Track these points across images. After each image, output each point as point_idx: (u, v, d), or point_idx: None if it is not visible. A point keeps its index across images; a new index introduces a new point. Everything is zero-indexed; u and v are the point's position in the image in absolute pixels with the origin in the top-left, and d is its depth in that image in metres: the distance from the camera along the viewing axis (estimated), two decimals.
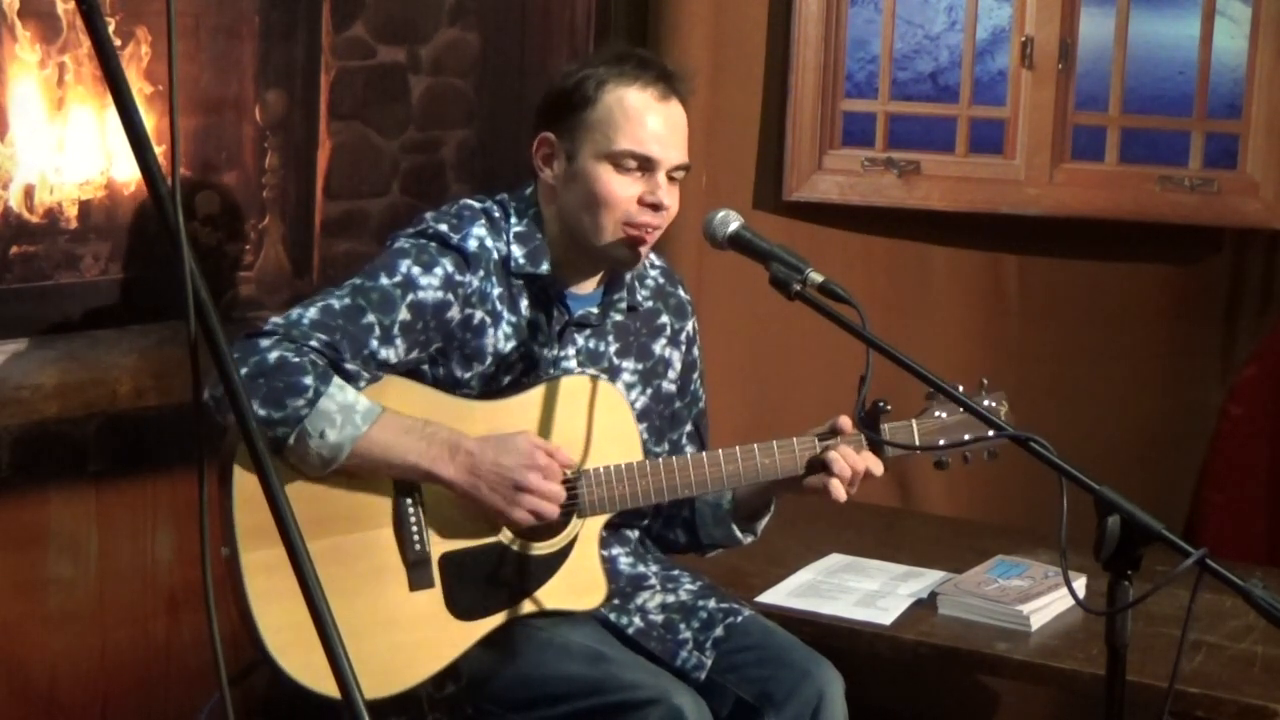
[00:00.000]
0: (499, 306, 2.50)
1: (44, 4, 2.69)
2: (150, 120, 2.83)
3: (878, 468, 2.51)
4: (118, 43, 2.78)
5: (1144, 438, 3.77)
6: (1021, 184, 3.71)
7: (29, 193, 2.72)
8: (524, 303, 2.53)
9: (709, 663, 2.52)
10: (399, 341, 2.42)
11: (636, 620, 2.57)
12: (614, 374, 2.61)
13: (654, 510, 2.70)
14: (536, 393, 2.49)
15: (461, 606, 2.43)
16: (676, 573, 2.69)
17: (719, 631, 2.55)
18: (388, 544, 2.41)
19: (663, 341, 2.69)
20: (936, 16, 3.73)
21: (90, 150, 2.79)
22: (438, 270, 2.45)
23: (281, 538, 1.52)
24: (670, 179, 2.50)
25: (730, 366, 3.67)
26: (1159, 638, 2.69)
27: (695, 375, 2.76)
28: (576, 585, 2.51)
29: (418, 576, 2.41)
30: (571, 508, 2.47)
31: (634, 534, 2.71)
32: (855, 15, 3.73)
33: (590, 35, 3.61)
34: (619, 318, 2.63)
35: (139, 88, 2.82)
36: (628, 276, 2.61)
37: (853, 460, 2.49)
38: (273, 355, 2.30)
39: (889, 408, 2.48)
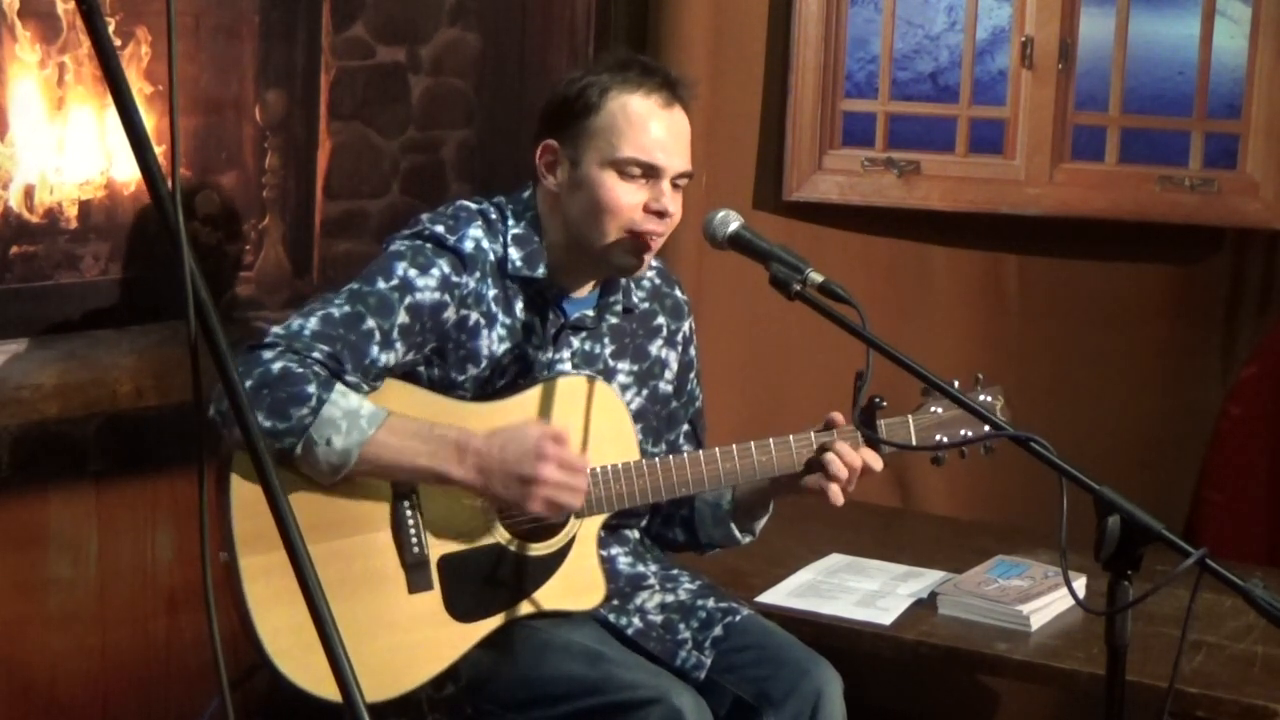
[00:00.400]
0: (494, 308, 2.50)
1: (44, 4, 2.69)
2: (150, 120, 2.83)
3: (876, 463, 2.51)
4: (118, 43, 2.78)
5: (1144, 438, 3.76)
6: (1021, 184, 3.71)
7: (29, 193, 2.72)
8: (519, 305, 2.53)
9: (708, 662, 2.52)
10: (398, 345, 2.42)
11: (636, 621, 2.57)
12: (609, 376, 2.60)
13: (652, 509, 2.70)
14: (533, 393, 2.49)
15: (460, 608, 2.43)
16: (675, 572, 2.69)
17: (718, 631, 2.55)
18: (386, 547, 2.41)
19: (659, 342, 2.69)
20: (936, 16, 3.73)
21: (90, 150, 2.79)
22: (434, 272, 2.45)
23: (283, 540, 1.52)
24: (674, 186, 2.50)
25: (730, 366, 3.67)
26: (1159, 638, 2.69)
27: (692, 375, 2.76)
28: (575, 585, 2.51)
29: (416, 579, 2.41)
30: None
31: (633, 534, 2.71)
32: (855, 15, 3.73)
33: (590, 35, 3.61)
34: (614, 320, 2.62)
35: (139, 88, 2.82)
36: (623, 279, 2.61)
37: (850, 458, 2.49)
38: (277, 366, 2.30)
39: (885, 404, 2.48)
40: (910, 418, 2.57)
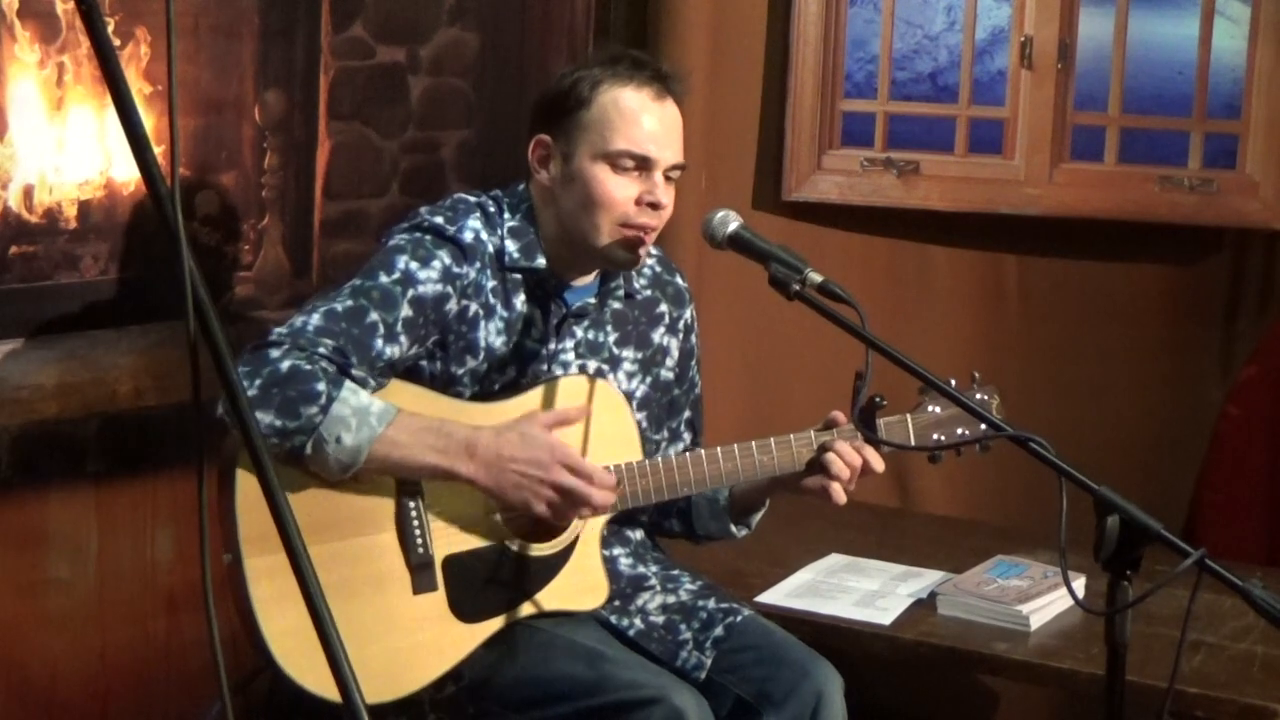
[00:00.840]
0: (492, 300, 2.50)
1: (44, 4, 2.69)
2: (150, 120, 2.83)
3: (878, 462, 2.52)
4: (117, 43, 2.78)
5: (1144, 438, 3.76)
6: (1021, 184, 3.71)
7: (28, 193, 2.72)
8: (519, 298, 2.53)
9: (709, 662, 2.52)
10: (402, 338, 2.42)
11: (637, 622, 2.57)
12: (614, 363, 2.61)
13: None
14: (535, 394, 2.49)
15: (465, 609, 2.43)
16: (676, 573, 2.69)
17: (719, 631, 2.55)
18: (391, 548, 2.41)
19: (661, 329, 2.69)
20: (936, 16, 3.73)
21: (90, 150, 2.79)
22: (435, 263, 2.45)
23: (282, 541, 1.52)
24: (667, 178, 2.50)
25: (730, 366, 3.67)
26: (1159, 638, 2.69)
27: (693, 363, 2.76)
28: (578, 586, 2.51)
29: (421, 580, 2.41)
30: None
31: (634, 534, 2.71)
32: (855, 15, 3.73)
33: (590, 35, 3.61)
34: (617, 305, 2.63)
35: (139, 88, 2.82)
36: None
37: (850, 457, 2.49)
38: (285, 365, 2.30)
39: (884, 403, 2.48)
40: (909, 417, 2.58)
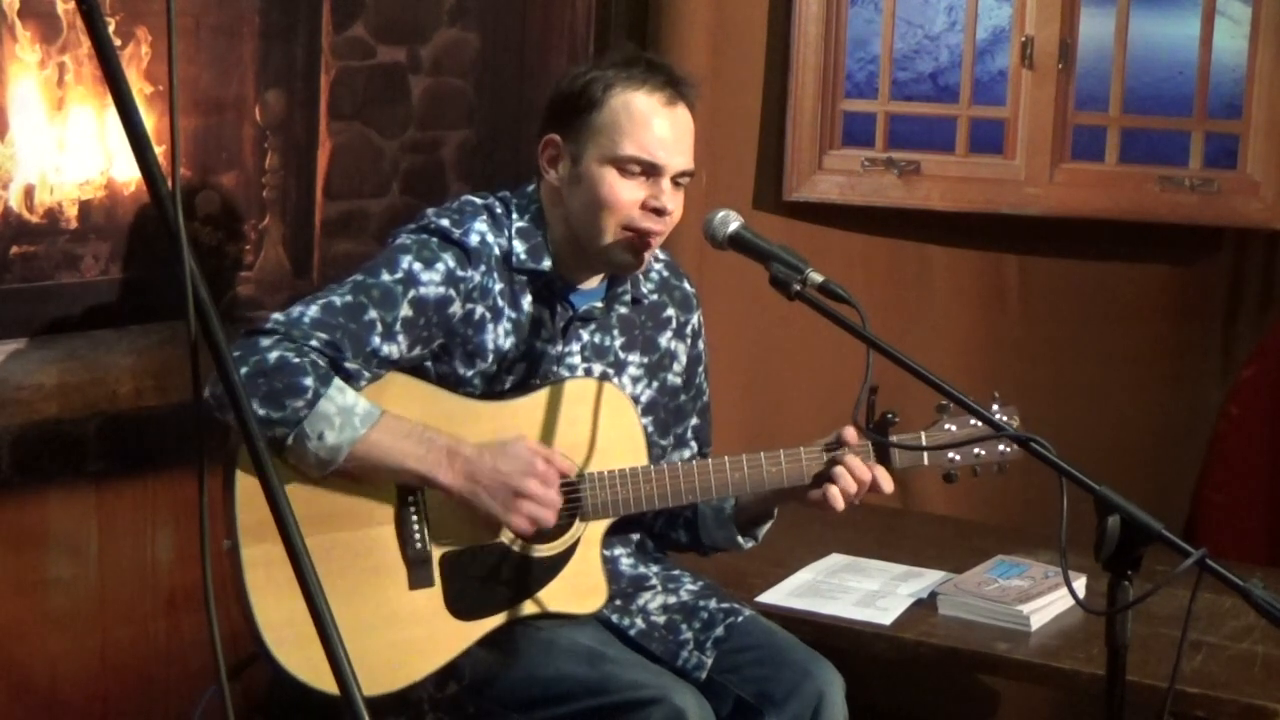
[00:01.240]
0: (500, 302, 2.50)
1: (44, 4, 2.69)
2: (150, 120, 2.83)
3: (887, 483, 2.50)
4: (118, 43, 2.78)
5: (1144, 437, 3.76)
6: (1021, 184, 3.71)
7: (29, 193, 2.72)
8: (526, 299, 2.53)
9: (709, 662, 2.52)
10: (401, 338, 2.42)
11: (639, 622, 2.57)
12: (620, 368, 2.61)
13: (656, 511, 2.70)
14: (541, 395, 2.49)
15: (461, 606, 2.43)
16: (677, 573, 2.69)
17: (719, 631, 2.55)
18: (389, 542, 2.41)
19: (668, 334, 2.69)
20: (936, 16, 3.73)
21: (90, 150, 2.79)
22: (439, 266, 2.45)
23: (279, 532, 1.52)
24: (675, 184, 2.50)
25: (731, 366, 3.66)
26: (1159, 638, 2.69)
27: (700, 369, 2.76)
28: (578, 588, 2.51)
29: (418, 575, 2.41)
30: (574, 510, 2.47)
31: (636, 534, 2.71)
32: (855, 15, 3.73)
33: (590, 35, 3.61)
34: (623, 310, 2.63)
35: (139, 88, 2.82)
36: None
37: (860, 473, 2.49)
38: (273, 355, 2.30)
39: (897, 419, 2.48)
40: (923, 433, 2.56)
